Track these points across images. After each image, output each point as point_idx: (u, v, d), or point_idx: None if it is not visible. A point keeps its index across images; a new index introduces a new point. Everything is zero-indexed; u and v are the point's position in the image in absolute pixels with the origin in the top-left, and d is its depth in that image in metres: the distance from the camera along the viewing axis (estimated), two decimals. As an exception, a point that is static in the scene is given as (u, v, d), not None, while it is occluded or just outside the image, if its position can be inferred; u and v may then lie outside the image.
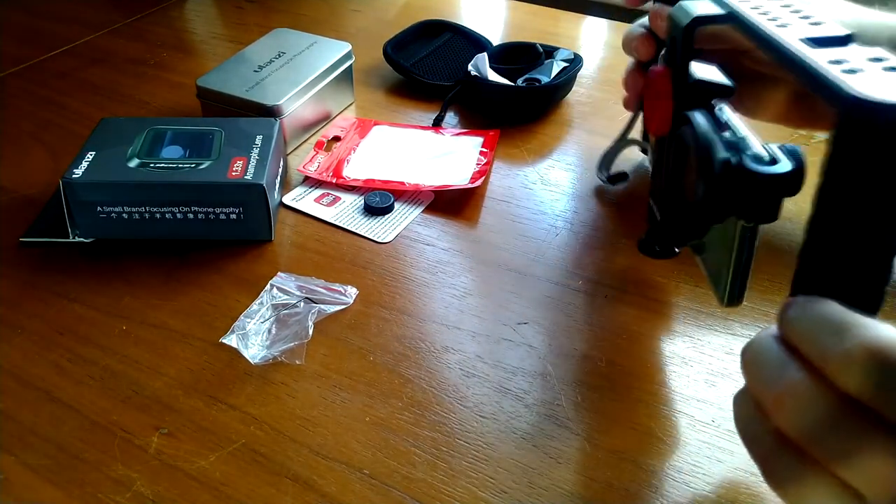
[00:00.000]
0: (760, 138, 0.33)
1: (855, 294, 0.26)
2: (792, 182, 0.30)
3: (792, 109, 0.47)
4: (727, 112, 0.36)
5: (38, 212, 0.51)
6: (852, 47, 0.28)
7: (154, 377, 0.40)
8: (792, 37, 0.29)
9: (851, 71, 0.25)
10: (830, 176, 0.25)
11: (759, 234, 0.33)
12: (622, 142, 0.54)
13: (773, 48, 0.29)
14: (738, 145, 0.32)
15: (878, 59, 0.26)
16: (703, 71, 0.38)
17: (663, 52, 0.42)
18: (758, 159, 0.31)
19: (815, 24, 0.30)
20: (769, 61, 0.34)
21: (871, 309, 0.26)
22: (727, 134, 0.33)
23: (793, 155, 0.31)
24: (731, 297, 0.35)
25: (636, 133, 0.53)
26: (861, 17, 0.44)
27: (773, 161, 0.31)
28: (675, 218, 0.40)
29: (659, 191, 0.43)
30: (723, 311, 0.44)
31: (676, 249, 0.43)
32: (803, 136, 0.58)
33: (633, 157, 0.56)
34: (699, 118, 0.35)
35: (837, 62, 0.26)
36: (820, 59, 0.26)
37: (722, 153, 0.31)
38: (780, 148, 0.31)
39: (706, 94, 0.37)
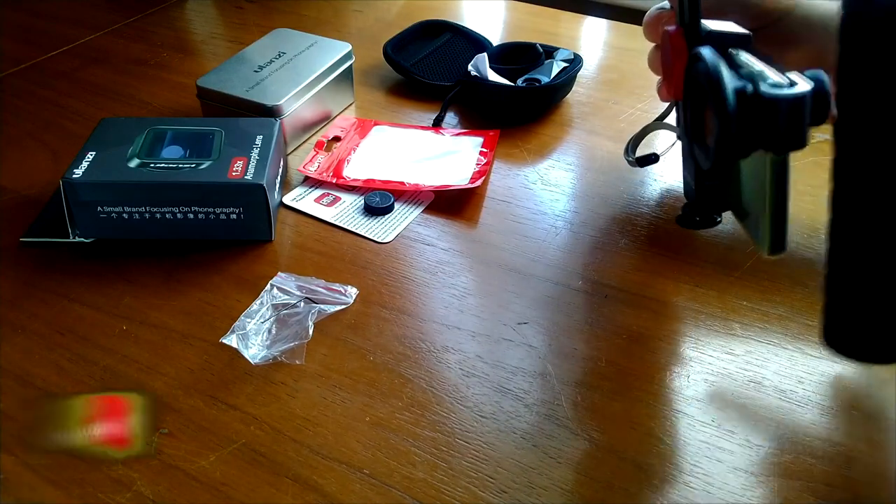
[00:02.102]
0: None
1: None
2: (815, 105, 0.29)
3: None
4: (744, 55, 0.35)
5: (38, 212, 0.51)
6: None
7: (154, 377, 0.40)
8: None
9: None
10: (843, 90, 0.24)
11: (789, 168, 0.32)
12: (652, 124, 0.53)
13: None
14: (753, 76, 0.31)
15: None
16: (718, 25, 0.38)
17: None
18: (775, 86, 0.30)
19: None
20: (776, 33, 0.34)
21: None
22: (742, 69, 0.32)
23: (814, 78, 0.30)
24: (774, 244, 0.33)
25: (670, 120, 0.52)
26: None
27: (792, 85, 0.30)
28: (703, 172, 0.39)
29: (687, 154, 0.42)
30: (723, 312, 0.44)
31: (718, 218, 0.42)
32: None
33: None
34: (706, 52, 0.33)
35: None
36: None
37: (735, 82, 0.30)
38: (800, 73, 0.30)
39: (722, 44, 0.36)
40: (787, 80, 0.30)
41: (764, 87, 0.30)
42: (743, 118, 0.30)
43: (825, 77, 0.30)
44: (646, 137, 0.54)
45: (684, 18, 0.38)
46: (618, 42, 0.77)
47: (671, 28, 0.40)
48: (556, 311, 0.44)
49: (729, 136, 0.31)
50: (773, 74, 0.31)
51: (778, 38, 0.42)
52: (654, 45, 0.49)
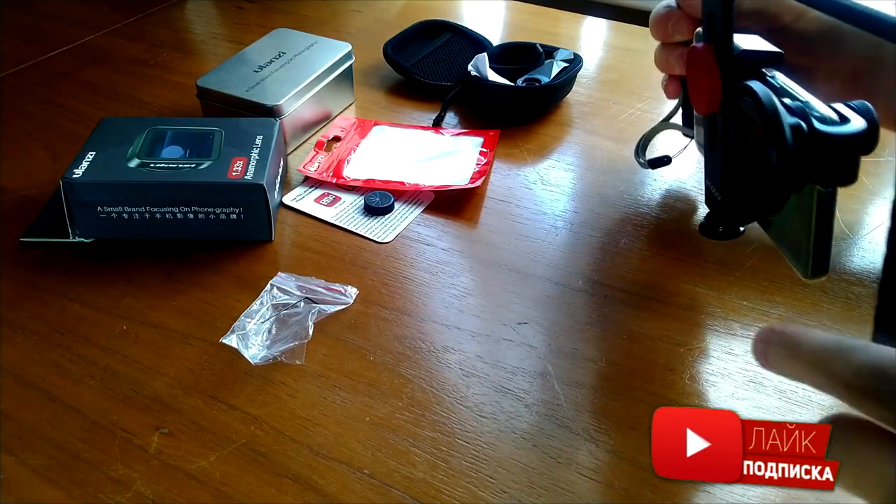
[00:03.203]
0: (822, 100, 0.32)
1: None
2: (867, 139, 0.29)
3: (837, 90, 0.45)
4: (780, 78, 0.35)
5: (38, 212, 0.51)
6: None
7: (154, 377, 0.40)
8: None
9: None
10: None
11: (836, 199, 0.32)
12: (661, 125, 0.53)
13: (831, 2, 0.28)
14: (802, 110, 0.31)
15: None
16: (747, 41, 0.37)
17: (698, 29, 0.41)
18: (827, 121, 0.30)
19: None
20: (807, 37, 0.33)
21: None
22: (787, 100, 0.32)
23: (862, 112, 0.29)
24: (817, 268, 0.33)
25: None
26: None
27: (844, 120, 0.30)
28: (740, 195, 0.39)
29: (718, 170, 0.42)
30: (723, 312, 0.44)
31: (742, 228, 0.42)
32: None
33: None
34: (759, 87, 0.33)
35: None
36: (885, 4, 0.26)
37: (790, 119, 0.30)
38: (846, 105, 0.30)
39: (755, 64, 0.36)
40: (836, 114, 0.30)
41: (817, 124, 0.29)
42: (799, 155, 0.30)
43: (872, 109, 0.30)
44: (643, 137, 0.54)
45: (715, 36, 0.37)
46: (618, 42, 0.77)
47: (699, 45, 0.40)
48: (556, 311, 0.44)
49: (787, 174, 0.31)
50: (818, 105, 0.31)
51: (789, 42, 0.41)
52: (659, 43, 0.49)
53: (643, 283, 0.46)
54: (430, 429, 0.38)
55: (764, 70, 0.36)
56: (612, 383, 0.40)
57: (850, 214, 0.51)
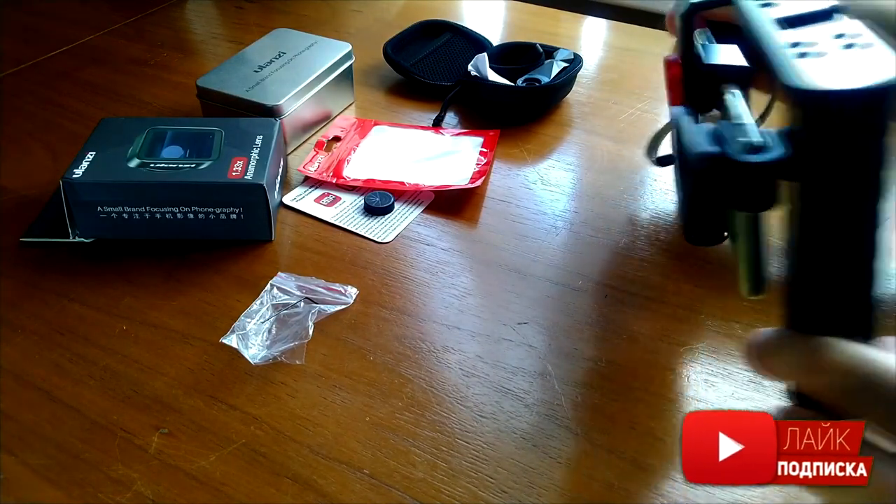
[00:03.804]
0: (765, 124, 0.32)
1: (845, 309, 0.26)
2: (786, 167, 0.28)
3: None
4: (735, 97, 0.35)
5: (38, 212, 0.51)
6: (829, 24, 0.26)
7: (154, 377, 0.40)
8: (767, 17, 0.28)
9: (805, 54, 0.24)
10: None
11: (763, 222, 0.32)
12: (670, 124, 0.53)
13: (752, 35, 0.28)
14: (728, 134, 0.30)
15: (841, 35, 0.25)
16: (724, 54, 0.37)
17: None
18: (746, 147, 0.29)
19: None
20: None
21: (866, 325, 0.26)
22: (711, 125, 0.32)
23: (793, 138, 0.29)
24: (750, 287, 0.34)
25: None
26: None
27: (764, 148, 0.30)
28: (684, 214, 0.40)
29: (677, 179, 0.42)
30: (723, 312, 0.44)
31: (725, 234, 0.42)
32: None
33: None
34: (678, 112, 0.33)
35: (797, 45, 0.25)
36: (781, 41, 0.25)
37: (700, 147, 0.30)
38: (781, 132, 0.30)
39: (718, 80, 0.36)
40: (763, 141, 0.30)
41: (729, 151, 0.29)
42: (709, 181, 0.30)
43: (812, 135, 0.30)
44: (655, 135, 0.53)
45: (683, 48, 0.37)
46: (618, 42, 0.77)
47: (672, 57, 0.40)
48: (556, 311, 0.44)
49: (697, 200, 0.31)
50: (752, 130, 0.30)
51: None
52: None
53: (643, 283, 0.46)
54: (430, 429, 0.38)
55: (725, 87, 0.36)
56: (611, 383, 0.40)
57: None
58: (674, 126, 0.34)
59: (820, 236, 0.26)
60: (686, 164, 0.31)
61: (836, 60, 0.24)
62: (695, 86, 0.37)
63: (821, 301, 0.27)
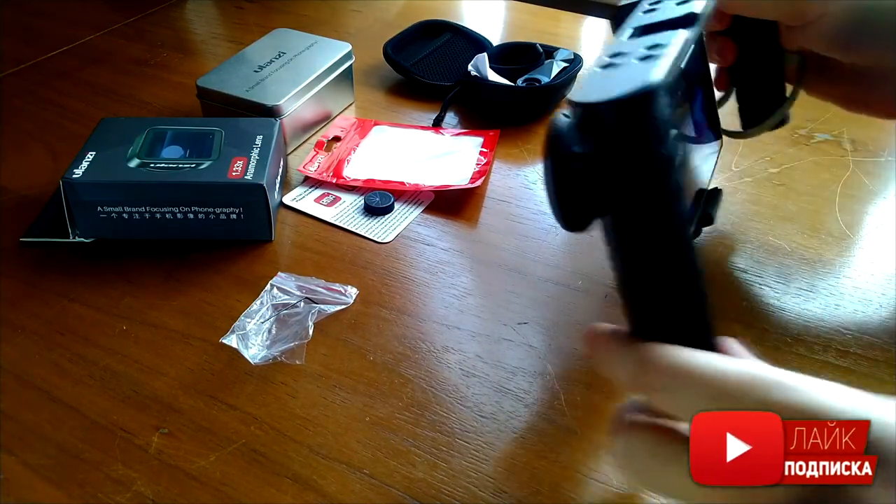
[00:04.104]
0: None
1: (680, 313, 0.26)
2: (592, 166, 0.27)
3: (850, 92, 0.45)
4: None
5: (38, 212, 0.51)
6: (668, 33, 0.27)
7: (154, 377, 0.40)
8: (632, 25, 0.28)
9: (612, 65, 0.25)
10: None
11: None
12: None
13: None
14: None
15: (653, 47, 0.26)
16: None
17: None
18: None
19: (681, 2, 0.29)
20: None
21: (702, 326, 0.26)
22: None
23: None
24: None
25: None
26: None
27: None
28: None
29: None
30: (722, 312, 0.44)
31: (704, 229, 0.42)
32: (803, 136, 0.58)
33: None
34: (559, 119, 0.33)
35: (620, 55, 0.25)
36: (611, 51, 0.26)
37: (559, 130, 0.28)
38: None
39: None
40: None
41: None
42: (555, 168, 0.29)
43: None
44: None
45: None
46: (618, 42, 0.77)
47: None
48: (556, 311, 0.44)
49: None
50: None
51: (827, 37, 0.41)
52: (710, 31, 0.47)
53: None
54: (430, 429, 0.38)
55: None
56: (611, 383, 0.40)
57: (850, 214, 0.51)
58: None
59: (622, 242, 0.26)
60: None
61: (625, 71, 0.24)
62: None
63: (643, 308, 0.27)
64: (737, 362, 0.24)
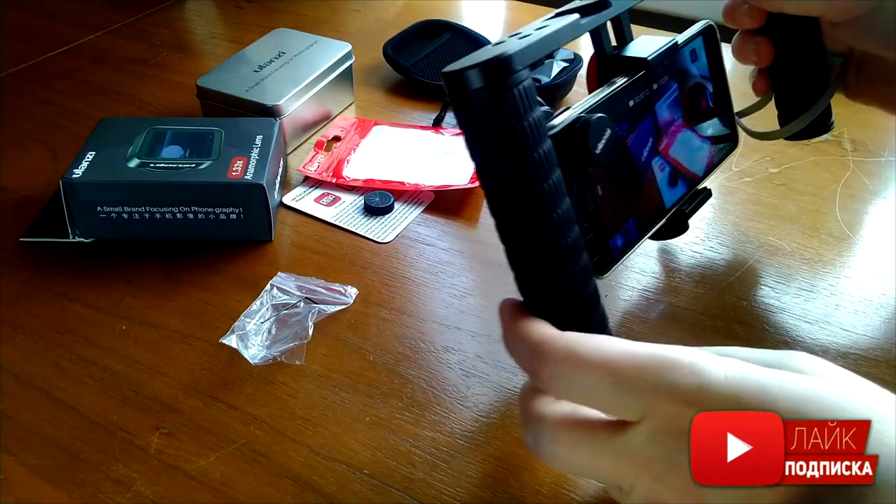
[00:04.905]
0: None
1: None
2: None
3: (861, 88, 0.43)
4: (611, 87, 0.37)
5: (38, 212, 0.51)
6: (565, 17, 0.29)
7: (154, 377, 0.40)
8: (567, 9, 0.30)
9: (501, 42, 0.26)
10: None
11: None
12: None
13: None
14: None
15: (541, 28, 0.28)
16: (639, 46, 0.39)
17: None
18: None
19: None
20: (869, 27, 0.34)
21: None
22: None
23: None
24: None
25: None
26: None
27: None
28: None
29: None
30: (723, 312, 0.44)
31: (689, 225, 0.42)
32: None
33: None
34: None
35: (518, 35, 0.27)
36: (512, 33, 0.28)
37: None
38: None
39: (614, 71, 0.38)
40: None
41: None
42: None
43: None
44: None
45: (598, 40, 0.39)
46: (618, 42, 0.77)
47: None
48: (556, 311, 0.44)
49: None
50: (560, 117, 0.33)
51: (879, 33, 0.39)
52: (738, 32, 0.45)
53: (643, 282, 0.46)
54: (430, 429, 0.38)
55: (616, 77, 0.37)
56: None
57: (850, 214, 0.51)
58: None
59: (497, 213, 0.28)
60: None
61: (502, 47, 0.26)
62: (602, 75, 0.39)
63: (520, 281, 0.28)
64: (622, 343, 0.25)
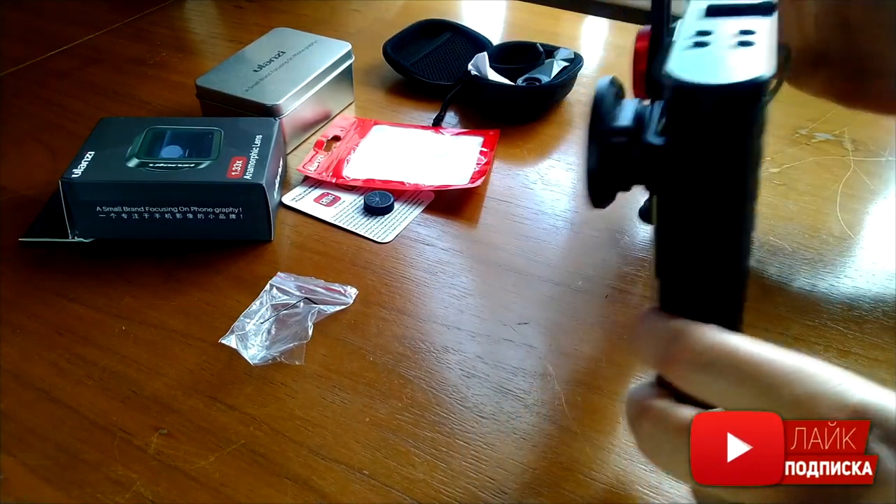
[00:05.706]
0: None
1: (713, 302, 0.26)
2: (658, 156, 0.26)
3: (843, 85, 0.43)
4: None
5: (38, 212, 0.51)
6: (754, 18, 0.26)
7: (154, 377, 0.40)
8: (701, 4, 0.27)
9: (703, 44, 0.24)
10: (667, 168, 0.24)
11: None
12: None
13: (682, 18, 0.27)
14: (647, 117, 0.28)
15: (747, 32, 0.24)
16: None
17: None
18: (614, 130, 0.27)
19: None
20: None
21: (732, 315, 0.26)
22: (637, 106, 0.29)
23: (666, 129, 0.27)
24: (655, 270, 0.34)
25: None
26: None
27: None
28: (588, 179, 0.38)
29: None
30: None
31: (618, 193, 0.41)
32: (804, 135, 0.58)
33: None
34: (602, 84, 0.30)
35: (706, 33, 0.24)
36: (693, 29, 0.25)
37: (623, 120, 0.27)
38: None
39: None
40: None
41: (650, 136, 0.27)
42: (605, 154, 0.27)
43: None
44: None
45: (656, 20, 0.37)
46: (618, 41, 0.77)
47: (646, 28, 0.39)
48: (557, 311, 0.44)
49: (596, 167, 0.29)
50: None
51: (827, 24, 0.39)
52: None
53: (644, 282, 0.46)
54: (429, 429, 0.38)
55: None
56: (612, 384, 0.40)
57: (851, 214, 0.50)
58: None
59: (680, 230, 0.25)
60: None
61: (719, 55, 0.23)
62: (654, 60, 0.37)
63: (686, 287, 0.26)
64: (784, 353, 0.23)
